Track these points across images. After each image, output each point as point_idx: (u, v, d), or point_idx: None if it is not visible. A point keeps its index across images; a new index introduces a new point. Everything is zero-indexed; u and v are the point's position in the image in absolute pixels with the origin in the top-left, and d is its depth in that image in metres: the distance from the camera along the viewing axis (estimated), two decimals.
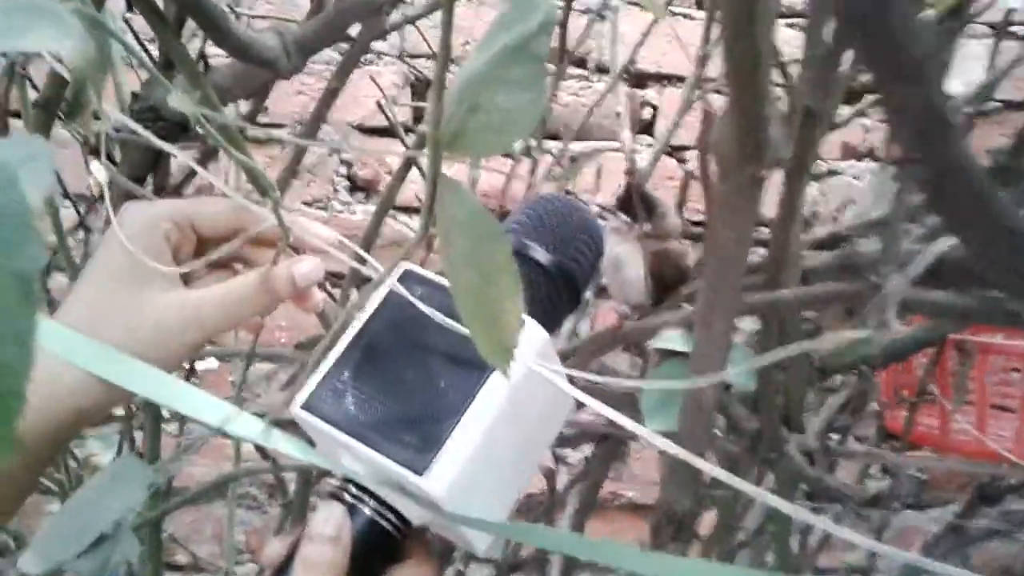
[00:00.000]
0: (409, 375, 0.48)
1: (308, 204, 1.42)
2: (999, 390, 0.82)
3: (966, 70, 1.54)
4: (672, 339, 0.53)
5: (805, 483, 0.54)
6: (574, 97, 1.46)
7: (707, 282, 0.39)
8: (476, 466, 0.45)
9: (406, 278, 0.50)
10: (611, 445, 0.79)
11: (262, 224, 0.50)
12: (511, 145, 0.30)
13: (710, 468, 0.37)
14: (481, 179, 1.13)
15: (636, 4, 1.46)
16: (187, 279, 0.54)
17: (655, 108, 1.47)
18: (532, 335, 0.47)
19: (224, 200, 0.54)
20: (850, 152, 1.45)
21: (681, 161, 1.48)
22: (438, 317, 0.47)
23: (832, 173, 1.45)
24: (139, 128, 0.52)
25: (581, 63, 1.46)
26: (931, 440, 0.83)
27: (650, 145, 1.42)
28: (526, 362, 0.46)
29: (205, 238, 0.54)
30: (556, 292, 0.52)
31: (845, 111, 1.02)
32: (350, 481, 0.48)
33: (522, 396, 0.46)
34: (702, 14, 1.46)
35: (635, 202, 0.60)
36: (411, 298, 0.47)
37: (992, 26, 1.48)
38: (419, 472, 0.43)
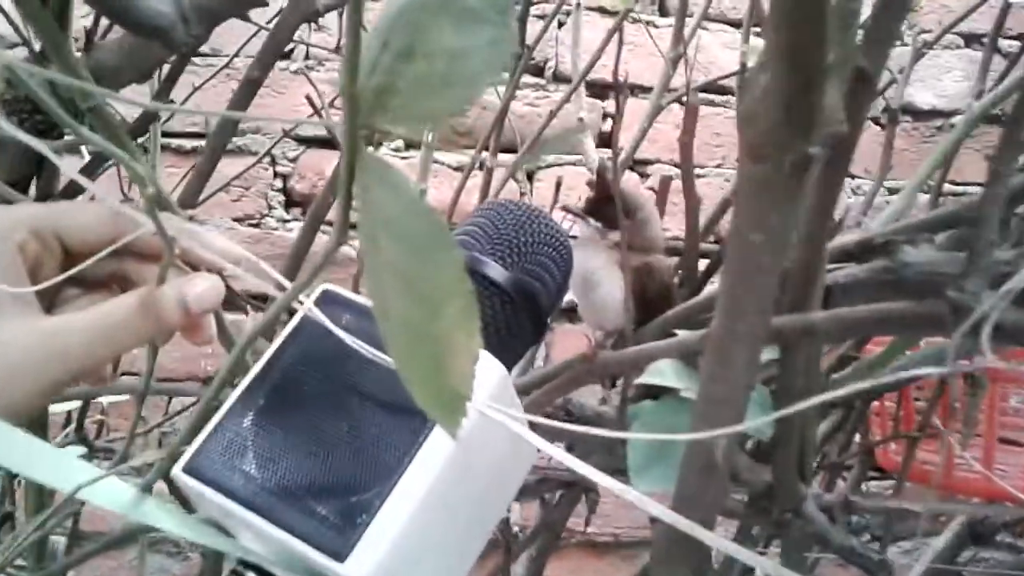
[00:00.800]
0: (327, 426, 0.37)
1: (239, 221, 1.30)
2: (1003, 421, 0.74)
3: (939, 81, 1.49)
4: (663, 373, 0.43)
5: (826, 548, 0.44)
6: (530, 107, 1.37)
7: (725, 302, 0.30)
8: (413, 544, 0.35)
9: (326, 301, 0.40)
10: (576, 493, 0.69)
11: (139, 231, 0.39)
12: (465, 105, 0.19)
13: (722, 543, 0.28)
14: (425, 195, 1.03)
15: (596, 10, 1.38)
16: (51, 303, 0.43)
17: (615, 119, 1.38)
18: (485, 371, 0.37)
19: (97, 205, 0.42)
20: None
21: (643, 176, 1.40)
22: (367, 350, 0.36)
23: None
24: (5, 124, 0.40)
25: (538, 71, 1.37)
26: (930, 478, 0.75)
27: (610, 158, 1.33)
28: (478, 406, 0.35)
29: (76, 253, 0.43)
30: (514, 316, 0.42)
31: None
32: (250, 566, 0.37)
33: (473, 450, 0.36)
34: (665, 21, 1.38)
35: (611, 203, 0.51)
36: (330, 325, 0.37)
37: (965, 37, 1.43)
38: (339, 557, 0.34)
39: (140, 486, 0.36)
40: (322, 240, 0.41)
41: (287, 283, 0.38)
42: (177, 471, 0.37)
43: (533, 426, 0.37)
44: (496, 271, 0.42)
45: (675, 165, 1.38)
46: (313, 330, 0.38)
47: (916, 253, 0.34)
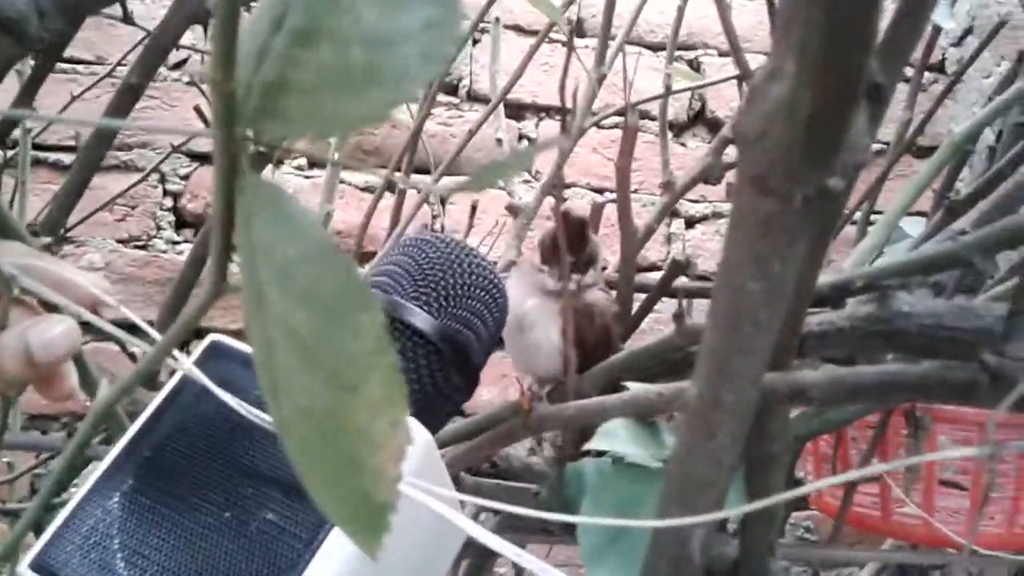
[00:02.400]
0: (211, 512, 0.30)
1: (124, 242, 1.19)
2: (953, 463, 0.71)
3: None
4: (616, 436, 0.37)
5: None
6: (442, 127, 1.31)
7: (710, 364, 0.24)
8: None
9: (214, 355, 0.32)
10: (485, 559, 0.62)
11: None
12: (390, 109, 0.13)
13: None
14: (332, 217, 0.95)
15: (512, 28, 1.34)
16: None
17: (532, 141, 1.34)
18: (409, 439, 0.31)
19: None
20: None
21: (560, 199, 1.35)
22: (260, 418, 0.29)
23: (718, 215, 1.36)
24: None
25: (451, 90, 1.31)
26: (870, 524, 0.71)
27: (527, 181, 1.28)
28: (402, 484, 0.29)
29: None
30: (442, 372, 0.36)
31: (732, 151, 0.91)
32: None
33: (392, 537, 0.29)
34: (582, 42, 1.35)
35: (576, 249, 0.44)
36: (214, 388, 0.29)
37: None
38: None
39: None
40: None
41: (156, 335, 0.30)
42: (23, 568, 0.30)
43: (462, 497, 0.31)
44: (421, 319, 0.36)
45: (592, 189, 1.34)
46: (196, 391, 0.31)
47: (914, 301, 0.29)
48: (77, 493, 0.32)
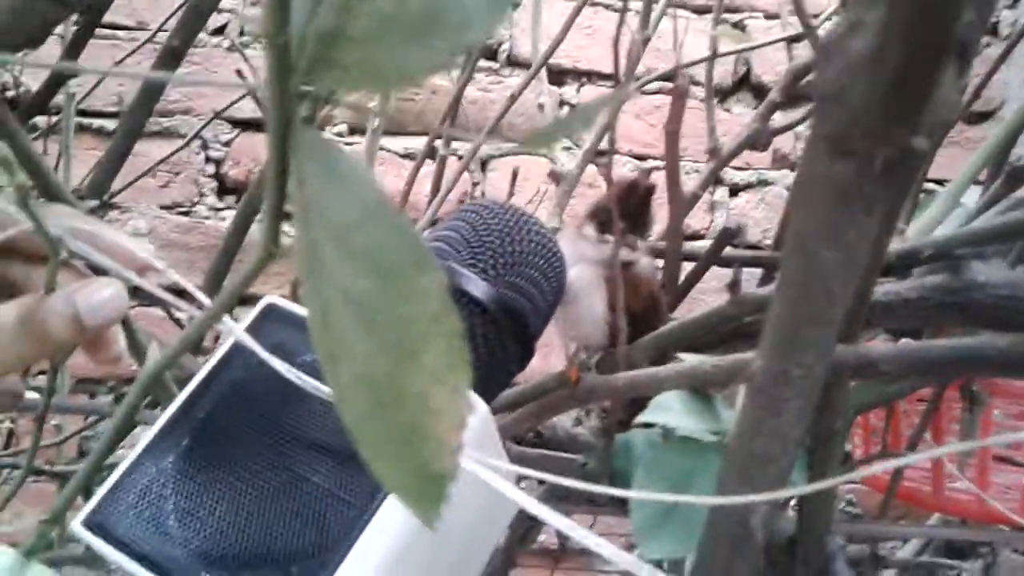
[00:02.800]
0: (265, 476, 0.30)
1: (168, 209, 1.20)
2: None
3: None
4: (671, 409, 0.36)
5: None
6: (482, 92, 1.29)
7: (778, 336, 0.23)
8: None
9: (269, 317, 0.32)
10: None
11: (12, 231, 0.31)
12: (452, 58, 0.12)
13: None
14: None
15: None
16: None
17: (573, 107, 1.32)
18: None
19: None
20: (782, 161, 1.33)
21: (609, 168, 1.33)
22: (314, 386, 0.29)
23: (763, 183, 1.33)
24: None
25: (491, 55, 1.30)
26: (920, 499, 0.70)
27: (568, 148, 1.26)
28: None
29: None
30: (498, 340, 0.35)
31: (779, 117, 0.89)
32: None
33: (449, 506, 0.29)
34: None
35: (631, 216, 0.43)
36: (265, 355, 0.29)
37: None
38: None
39: (23, 552, 0.29)
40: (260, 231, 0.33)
41: (206, 300, 0.30)
42: (77, 525, 0.30)
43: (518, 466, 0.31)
44: (478, 286, 0.35)
45: (635, 156, 1.32)
46: (249, 356, 0.31)
47: (989, 271, 0.28)
48: (129, 454, 0.32)
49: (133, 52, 0.92)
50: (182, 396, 0.32)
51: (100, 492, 0.31)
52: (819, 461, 0.33)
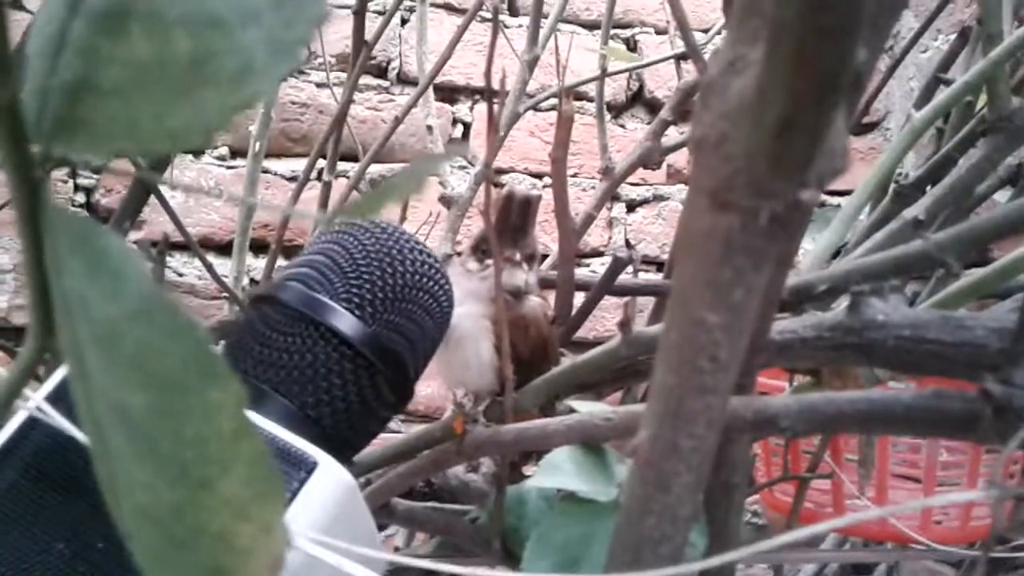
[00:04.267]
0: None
1: None
2: (906, 457, 0.69)
3: None
4: (562, 470, 0.34)
5: None
6: (372, 111, 1.25)
7: (663, 406, 0.20)
8: None
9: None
10: None
11: None
12: (220, 122, 0.09)
13: None
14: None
15: (442, 7, 1.29)
16: None
17: (467, 125, 1.29)
18: (324, 481, 0.27)
19: None
20: (677, 176, 1.33)
21: (496, 185, 1.31)
22: None
23: (660, 198, 1.33)
24: None
25: (380, 72, 1.26)
26: (821, 520, 0.69)
27: (463, 167, 1.24)
28: (307, 542, 0.25)
29: None
30: (372, 385, 0.31)
31: (674, 133, 0.88)
32: None
33: None
34: (516, 21, 1.30)
35: (511, 237, 0.40)
36: (69, 428, 0.25)
37: None
38: None
39: None
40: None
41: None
42: None
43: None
44: (349, 324, 0.31)
45: (531, 174, 1.30)
46: (47, 434, 0.26)
47: (889, 309, 0.26)
48: None
49: None
50: None
51: None
52: (716, 517, 0.31)
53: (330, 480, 0.27)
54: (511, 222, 0.44)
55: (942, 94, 0.52)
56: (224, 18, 0.11)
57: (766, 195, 0.17)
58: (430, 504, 0.44)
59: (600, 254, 1.30)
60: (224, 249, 1.10)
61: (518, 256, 0.43)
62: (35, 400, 0.25)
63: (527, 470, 0.45)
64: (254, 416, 0.15)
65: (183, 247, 1.07)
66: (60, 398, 0.26)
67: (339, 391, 0.31)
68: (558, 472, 0.33)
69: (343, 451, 0.29)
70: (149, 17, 0.11)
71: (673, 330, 0.19)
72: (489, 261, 0.40)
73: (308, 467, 0.27)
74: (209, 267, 0.59)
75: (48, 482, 0.26)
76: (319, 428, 0.31)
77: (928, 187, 0.58)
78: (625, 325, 0.35)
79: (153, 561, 0.14)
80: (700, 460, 0.21)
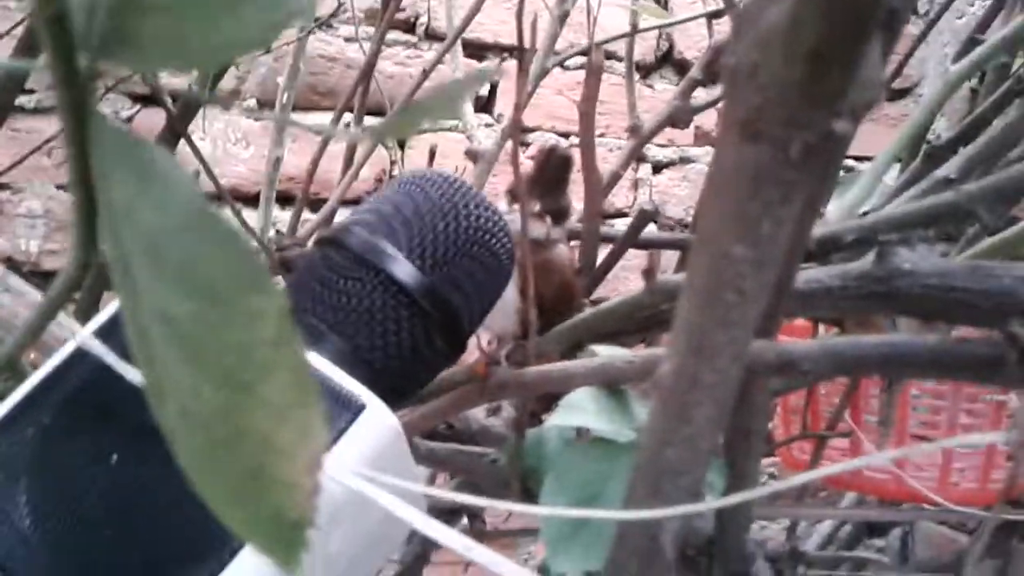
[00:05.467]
0: (108, 505, 0.27)
1: (65, 188, 1.13)
2: (924, 418, 0.69)
3: None
4: (582, 409, 0.34)
5: None
6: (400, 67, 1.25)
7: (687, 339, 0.21)
8: None
9: (119, 323, 0.28)
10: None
11: None
12: (274, 32, 0.09)
13: None
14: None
15: None
16: None
17: (494, 84, 1.29)
18: (369, 426, 0.28)
19: None
20: (705, 138, 1.32)
21: (523, 144, 1.30)
22: None
23: (686, 160, 1.33)
24: None
25: (409, 28, 1.25)
26: (839, 480, 0.70)
27: (489, 125, 1.23)
28: (351, 477, 0.26)
29: None
30: (425, 335, 0.32)
31: (701, 94, 0.87)
32: None
33: (333, 536, 0.26)
34: None
35: (548, 191, 0.40)
36: (113, 361, 0.26)
37: None
38: None
39: None
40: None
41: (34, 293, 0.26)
42: None
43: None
44: (406, 271, 0.31)
45: (558, 133, 1.29)
46: (92, 365, 0.27)
47: (917, 258, 0.26)
48: None
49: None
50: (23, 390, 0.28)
51: None
52: (737, 459, 0.31)
53: (377, 422, 0.27)
54: (547, 176, 0.44)
55: (978, 49, 0.51)
56: None
57: (798, 125, 0.17)
58: (452, 445, 0.45)
59: (625, 215, 1.30)
60: (249, 201, 1.11)
61: (538, 208, 0.43)
62: (83, 334, 0.26)
63: (547, 419, 0.46)
64: (310, 355, 0.16)
65: (212, 197, 1.08)
66: (110, 334, 0.27)
67: (393, 336, 0.32)
68: (578, 411, 0.34)
69: (392, 397, 0.30)
70: None
71: (698, 266, 0.20)
72: (516, 205, 0.41)
73: (356, 408, 0.27)
74: (239, 214, 0.60)
75: (94, 408, 0.27)
76: (371, 371, 0.31)
77: (960, 148, 0.57)
78: (650, 273, 0.35)
79: (197, 462, 0.15)
80: (722, 392, 0.21)
